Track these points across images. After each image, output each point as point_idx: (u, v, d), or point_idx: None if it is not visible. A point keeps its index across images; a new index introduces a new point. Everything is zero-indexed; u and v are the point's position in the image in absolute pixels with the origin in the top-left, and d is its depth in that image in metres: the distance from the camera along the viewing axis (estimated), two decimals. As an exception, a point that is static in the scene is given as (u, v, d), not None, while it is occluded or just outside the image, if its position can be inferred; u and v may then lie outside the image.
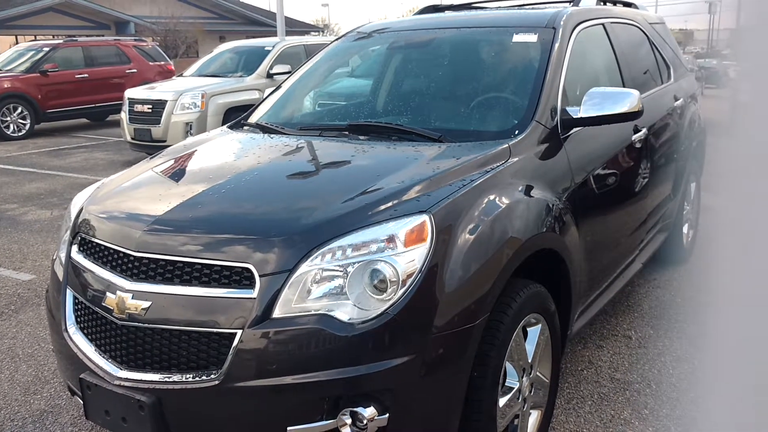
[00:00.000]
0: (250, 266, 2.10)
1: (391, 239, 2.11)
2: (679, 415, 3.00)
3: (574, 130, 2.99)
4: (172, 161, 3.02)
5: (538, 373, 2.63)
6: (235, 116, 3.96)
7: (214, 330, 2.09)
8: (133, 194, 2.69)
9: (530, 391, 2.58)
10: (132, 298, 2.21)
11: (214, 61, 11.06)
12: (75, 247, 2.62)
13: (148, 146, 9.18)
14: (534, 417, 2.66)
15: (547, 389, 2.71)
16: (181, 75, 11.26)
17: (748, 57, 0.67)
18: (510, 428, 2.49)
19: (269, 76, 9.95)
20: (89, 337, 2.42)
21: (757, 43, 0.68)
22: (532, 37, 3.29)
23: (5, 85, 12.79)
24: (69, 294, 2.56)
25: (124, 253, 2.32)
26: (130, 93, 9.91)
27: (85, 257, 2.53)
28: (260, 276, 2.08)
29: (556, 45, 3.19)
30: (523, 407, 2.53)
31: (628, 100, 2.91)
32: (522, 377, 2.49)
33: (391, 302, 2.05)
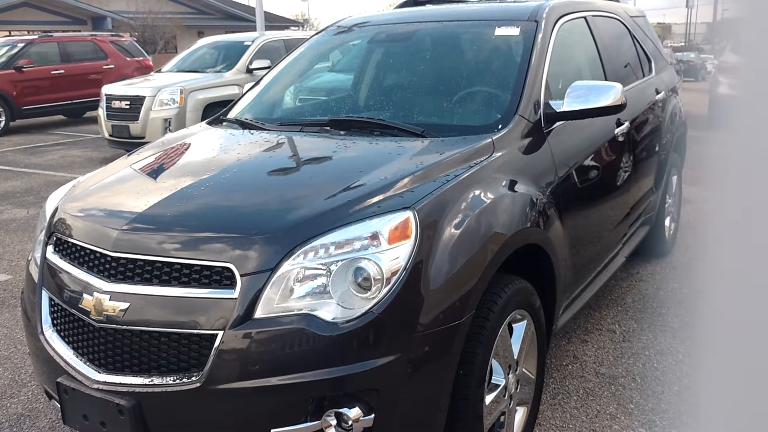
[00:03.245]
0: (231, 266, 2.05)
1: (374, 236, 2.08)
2: (664, 409, 3.00)
3: (558, 123, 2.97)
4: (151, 158, 2.96)
5: (524, 370, 2.61)
6: (215, 112, 3.90)
7: (195, 331, 2.04)
8: (109, 192, 2.63)
9: (516, 388, 2.56)
10: (110, 299, 2.16)
11: (193, 56, 10.93)
12: (50, 248, 2.56)
13: (127, 143, 9.06)
14: (520, 414, 2.64)
15: (533, 385, 2.70)
16: (159, 71, 11.12)
17: (739, 50, 0.65)
18: (496, 425, 2.47)
19: (249, 71, 9.85)
20: (66, 339, 2.36)
21: (745, 35, 0.65)
22: (514, 30, 3.26)
23: (-21, 82, 12.57)
24: (45, 295, 2.50)
25: (100, 253, 2.26)
26: (108, 89, 9.77)
27: (60, 258, 2.47)
28: (241, 275, 2.03)
29: (539, 38, 3.16)
30: (510, 404, 2.51)
31: (611, 93, 2.89)
32: (508, 374, 2.47)
33: (375, 301, 2.01)
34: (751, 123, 0.64)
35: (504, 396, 2.46)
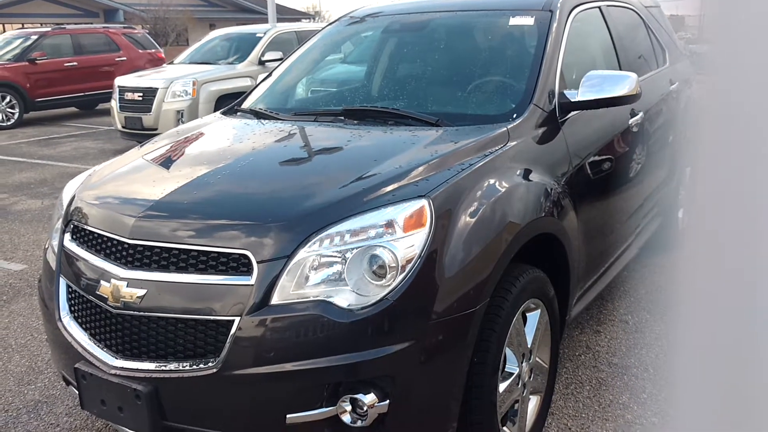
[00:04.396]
0: (248, 253, 2.06)
1: (389, 224, 2.08)
2: (678, 399, 2.99)
3: (572, 113, 2.96)
4: (166, 147, 2.97)
5: (537, 359, 2.61)
6: (227, 104, 3.91)
7: (212, 318, 2.06)
8: (126, 181, 2.65)
9: (530, 377, 2.56)
10: (127, 286, 2.18)
11: (205, 47, 10.95)
12: (68, 236, 2.58)
13: (139, 134, 9.10)
14: (533, 402, 2.65)
15: (546, 374, 2.70)
16: (171, 62, 11.15)
17: (712, 43, 0.66)
18: (510, 413, 2.47)
19: (261, 63, 9.86)
20: (84, 326, 2.39)
21: (719, 29, 0.66)
22: (528, 20, 3.26)
23: (-7, 74, 12.65)
24: (62, 283, 2.52)
25: (118, 240, 2.28)
26: (121, 81, 9.81)
27: (78, 245, 2.49)
28: (258, 262, 2.05)
29: (554, 28, 3.15)
30: (523, 392, 2.52)
31: (626, 82, 2.88)
32: (522, 363, 2.48)
33: (390, 288, 2.02)
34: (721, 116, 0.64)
35: (517, 384, 2.46)
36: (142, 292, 2.15)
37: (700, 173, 0.66)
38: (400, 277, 2.02)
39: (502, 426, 2.39)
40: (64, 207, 2.70)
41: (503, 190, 2.39)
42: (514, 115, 2.76)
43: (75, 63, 13.71)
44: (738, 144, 0.62)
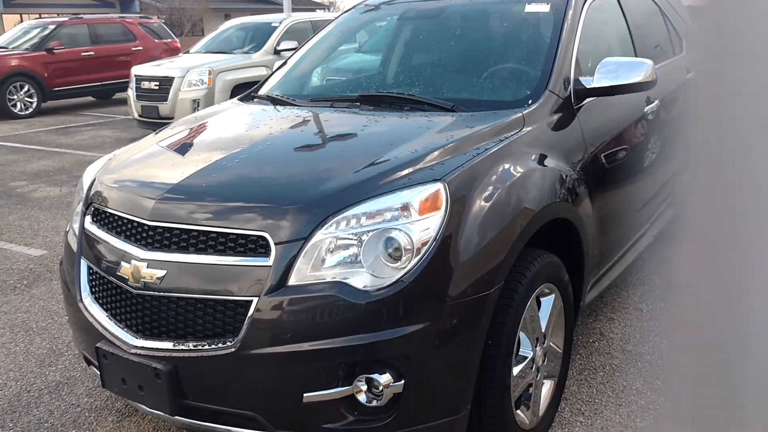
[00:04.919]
0: (266, 234, 2.10)
1: (405, 207, 2.11)
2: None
3: (588, 100, 2.97)
4: (185, 132, 3.01)
5: (551, 344, 2.63)
6: (242, 93, 3.93)
7: (230, 298, 2.10)
8: (146, 164, 2.69)
9: (543, 361, 2.58)
10: (147, 267, 2.22)
11: (221, 37, 10.99)
12: (88, 218, 2.63)
13: (156, 123, 9.15)
14: (547, 387, 2.67)
15: (559, 359, 2.72)
16: (187, 52, 11.21)
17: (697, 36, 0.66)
18: (524, 397, 2.50)
19: (276, 52, 9.89)
20: (104, 306, 2.43)
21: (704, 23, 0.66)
22: (544, 7, 3.26)
23: (12, 63, 12.75)
24: (83, 265, 2.57)
25: (138, 222, 2.32)
26: (137, 70, 9.87)
27: (98, 228, 2.54)
28: (275, 244, 2.08)
29: (569, 14, 3.15)
30: (537, 377, 2.54)
31: (642, 69, 2.88)
32: (535, 347, 2.50)
33: (405, 270, 2.05)
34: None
35: (531, 368, 2.49)
36: (161, 272, 2.19)
37: (693, 168, 0.66)
38: (415, 260, 2.05)
39: (516, 409, 2.41)
40: (85, 190, 2.75)
41: (518, 175, 2.41)
42: (530, 101, 2.77)
43: (92, 52, 13.80)
44: (731, 139, 0.62)
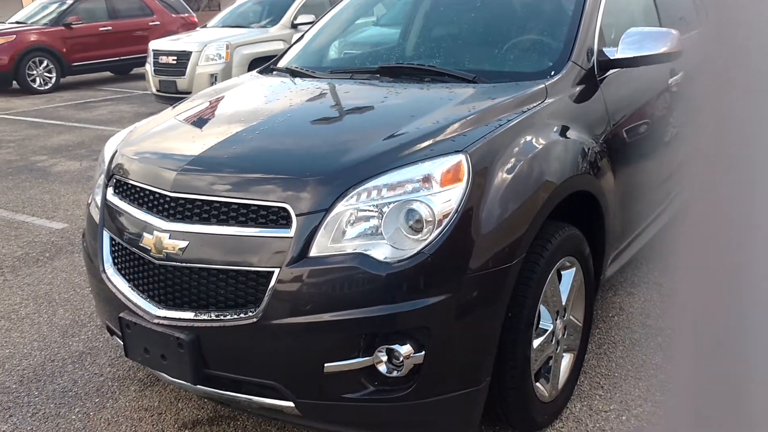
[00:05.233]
0: (287, 206, 2.10)
1: (426, 179, 2.09)
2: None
3: (611, 71, 2.92)
4: (205, 104, 3.01)
5: (571, 317, 2.62)
6: (260, 67, 3.91)
7: (252, 269, 2.11)
8: (167, 136, 2.69)
9: (563, 334, 2.58)
10: (169, 237, 2.23)
11: (238, 11, 10.93)
12: (110, 190, 2.64)
13: (174, 98, 9.15)
14: (566, 360, 2.66)
15: (579, 333, 2.71)
16: (205, 26, 11.18)
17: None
18: (543, 370, 2.50)
19: (294, 26, 9.82)
20: (127, 277, 2.45)
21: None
22: (567, -23, 3.19)
23: (31, 38, 12.79)
24: (106, 236, 2.59)
25: (160, 193, 2.33)
26: (155, 44, 9.86)
27: (120, 199, 2.55)
28: (296, 215, 2.08)
29: (593, -16, 3.09)
30: (556, 350, 2.54)
31: (667, 39, 2.83)
32: (556, 320, 2.49)
33: (426, 242, 2.04)
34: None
35: (551, 341, 2.48)
36: (184, 243, 2.20)
37: (691, 165, 0.64)
38: (436, 232, 2.04)
39: (536, 382, 2.42)
40: (106, 162, 2.76)
41: (541, 147, 2.38)
42: (552, 73, 2.73)
43: (110, 27, 13.79)
44: (730, 139, 0.61)
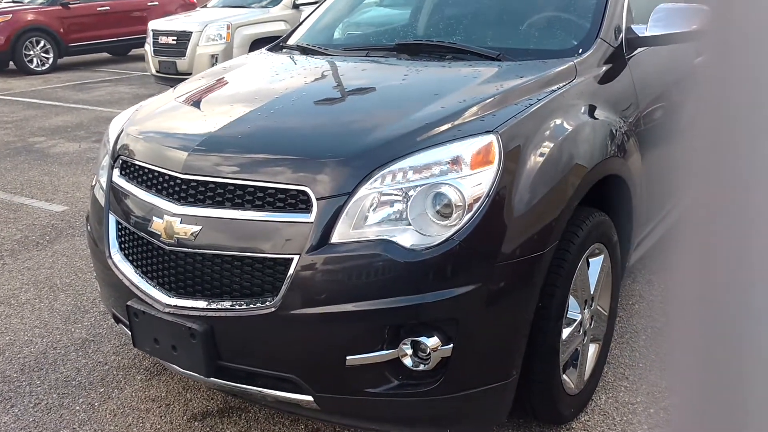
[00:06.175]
0: (307, 189, 1.97)
1: (455, 161, 1.97)
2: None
3: (639, 50, 2.79)
4: (214, 82, 2.87)
5: (598, 306, 2.51)
6: (261, 48, 3.76)
7: (269, 255, 1.98)
8: (176, 115, 2.55)
9: (590, 324, 2.47)
10: (180, 222, 2.11)
11: (239, -9, 10.73)
12: (116, 171, 2.51)
13: (173, 79, 8.99)
14: (592, 350, 2.56)
15: (605, 322, 2.61)
16: (205, 6, 10.97)
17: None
18: (570, 361, 2.39)
19: (295, 6, 9.63)
20: (135, 263, 2.33)
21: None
22: (593, -49, 3.05)
23: (28, 18, 12.55)
24: (112, 220, 2.46)
25: (170, 175, 2.20)
26: (154, 24, 9.67)
27: (127, 181, 2.43)
28: (317, 199, 1.96)
29: (621, -41, 2.95)
30: (584, 340, 2.43)
31: (699, 16, 2.69)
32: (583, 309, 2.38)
33: (456, 228, 1.92)
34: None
35: (579, 331, 2.38)
36: (196, 228, 2.08)
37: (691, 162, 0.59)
38: (467, 217, 1.92)
39: (563, 374, 2.31)
40: (112, 143, 2.63)
41: (571, 128, 2.26)
42: (580, 50, 2.60)
43: (107, 7, 13.55)
44: (731, 140, 0.55)
